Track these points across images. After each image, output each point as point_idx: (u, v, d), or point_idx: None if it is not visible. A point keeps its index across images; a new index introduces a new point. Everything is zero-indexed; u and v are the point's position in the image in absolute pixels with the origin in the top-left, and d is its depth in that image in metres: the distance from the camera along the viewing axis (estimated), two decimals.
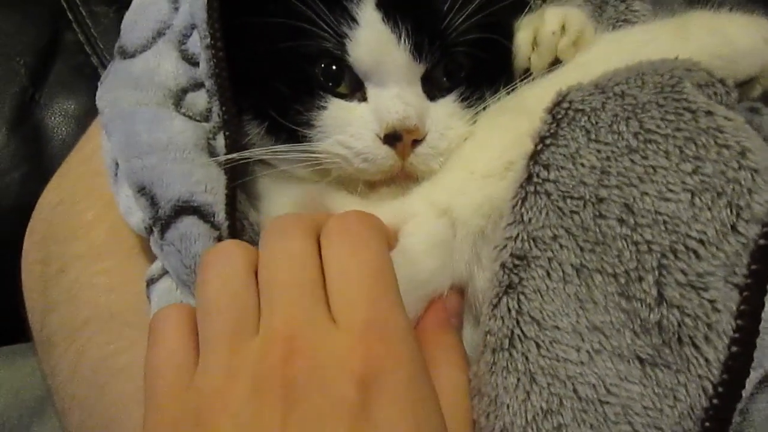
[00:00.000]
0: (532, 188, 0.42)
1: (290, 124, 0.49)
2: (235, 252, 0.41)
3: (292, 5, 0.47)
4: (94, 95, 0.53)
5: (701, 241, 0.39)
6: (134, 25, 0.53)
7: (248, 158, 0.48)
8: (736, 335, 0.37)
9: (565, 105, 0.44)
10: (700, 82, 0.44)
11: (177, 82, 0.50)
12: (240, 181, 0.48)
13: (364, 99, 0.49)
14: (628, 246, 0.40)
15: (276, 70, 0.50)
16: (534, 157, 0.43)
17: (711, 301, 0.38)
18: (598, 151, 0.42)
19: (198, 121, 0.49)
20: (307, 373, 0.36)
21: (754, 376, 0.38)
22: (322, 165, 0.49)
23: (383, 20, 0.48)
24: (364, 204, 0.49)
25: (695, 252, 0.39)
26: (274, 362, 0.36)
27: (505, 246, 0.42)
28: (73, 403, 0.52)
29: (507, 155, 0.46)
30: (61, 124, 0.93)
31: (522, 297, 0.41)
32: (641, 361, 0.39)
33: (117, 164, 0.50)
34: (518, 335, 0.41)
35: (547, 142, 0.43)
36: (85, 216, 0.56)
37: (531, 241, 0.42)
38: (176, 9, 0.52)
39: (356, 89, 0.50)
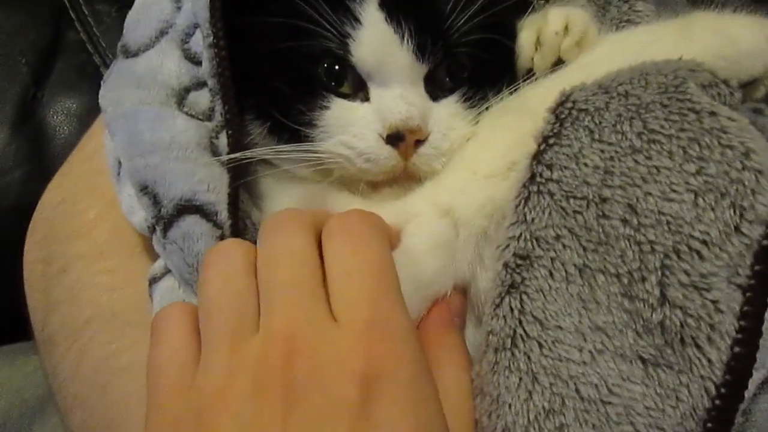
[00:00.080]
0: (535, 188, 0.42)
1: (293, 124, 0.49)
2: (236, 251, 0.41)
3: (295, 5, 0.47)
4: (96, 94, 0.53)
5: (704, 242, 0.39)
6: (137, 25, 0.53)
7: (251, 158, 0.48)
8: (739, 336, 0.37)
9: (569, 105, 0.44)
10: (703, 82, 0.44)
11: (180, 81, 0.50)
12: (242, 181, 0.48)
13: (366, 99, 0.49)
14: (631, 246, 0.40)
15: (278, 69, 0.50)
16: (537, 156, 0.43)
17: (714, 302, 0.38)
18: (602, 151, 0.42)
19: (201, 120, 0.49)
20: (308, 372, 0.36)
21: (756, 377, 0.38)
22: (324, 165, 0.49)
23: (386, 20, 0.47)
24: (367, 204, 0.49)
25: (698, 252, 0.39)
26: (275, 362, 0.36)
27: (508, 246, 0.42)
28: (74, 402, 0.52)
29: (510, 155, 0.46)
30: (63, 123, 0.93)
31: (525, 297, 0.41)
32: (644, 361, 0.39)
33: (120, 163, 0.50)
34: (521, 335, 0.41)
35: (551, 142, 0.43)
36: (87, 215, 0.56)
37: (534, 241, 0.42)
38: (179, 8, 0.52)
39: (359, 89, 0.49)
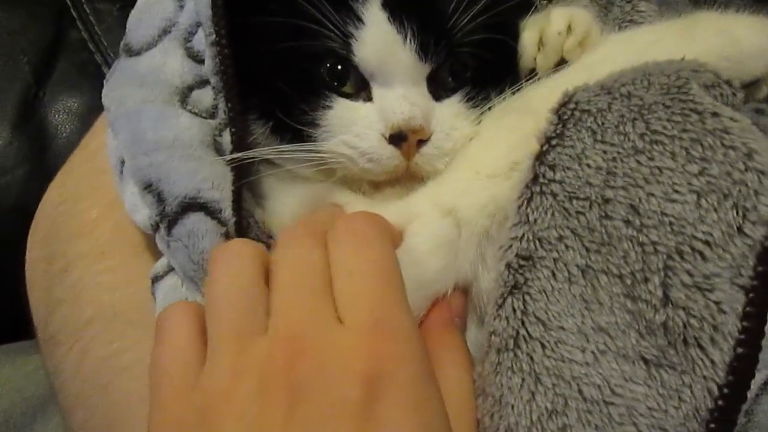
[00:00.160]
0: (537, 189, 0.42)
1: (295, 124, 0.49)
2: (244, 251, 0.41)
3: (297, 5, 0.47)
4: (98, 93, 0.53)
5: (707, 243, 0.39)
6: (140, 23, 0.53)
7: (253, 158, 0.48)
8: (742, 337, 0.37)
9: (572, 106, 0.43)
10: (706, 83, 0.44)
11: (183, 79, 0.50)
12: (245, 180, 0.48)
13: (369, 99, 0.49)
14: (633, 247, 0.40)
15: (281, 69, 0.50)
16: (540, 157, 0.43)
17: (717, 303, 0.38)
18: (604, 151, 0.42)
19: (204, 118, 0.49)
20: (312, 372, 0.36)
21: (759, 378, 0.38)
22: (327, 165, 0.49)
23: (389, 20, 0.47)
24: (369, 204, 0.49)
25: (701, 253, 0.39)
26: (280, 363, 0.36)
27: (511, 246, 0.42)
28: (76, 401, 0.52)
29: (512, 155, 0.46)
30: (64, 122, 0.93)
31: (527, 297, 0.41)
32: (646, 362, 0.39)
33: (123, 162, 0.50)
34: (523, 336, 0.41)
35: (553, 142, 0.43)
36: (89, 214, 0.56)
37: (536, 242, 0.42)
38: (181, 7, 0.52)
39: (361, 89, 0.49)
